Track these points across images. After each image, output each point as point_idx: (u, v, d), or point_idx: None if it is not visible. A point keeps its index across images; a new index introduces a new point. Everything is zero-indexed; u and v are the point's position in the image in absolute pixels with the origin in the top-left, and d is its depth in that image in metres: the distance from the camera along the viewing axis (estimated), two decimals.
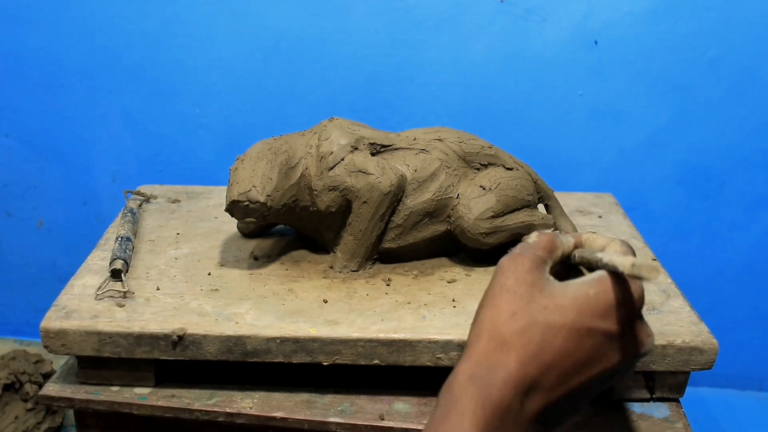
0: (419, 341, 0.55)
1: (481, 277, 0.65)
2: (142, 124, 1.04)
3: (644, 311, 0.59)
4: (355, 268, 0.66)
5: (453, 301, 0.61)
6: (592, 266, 0.45)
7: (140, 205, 0.80)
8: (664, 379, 0.57)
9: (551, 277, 0.45)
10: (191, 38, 0.99)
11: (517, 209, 0.65)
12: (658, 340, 0.55)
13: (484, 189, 0.65)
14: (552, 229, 0.67)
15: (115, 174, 1.08)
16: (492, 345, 0.42)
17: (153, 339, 0.56)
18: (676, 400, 0.58)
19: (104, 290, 0.60)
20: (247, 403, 0.57)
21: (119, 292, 0.60)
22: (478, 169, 0.67)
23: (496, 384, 0.41)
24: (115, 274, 0.62)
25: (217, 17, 0.97)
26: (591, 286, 0.43)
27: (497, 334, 0.42)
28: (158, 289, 0.62)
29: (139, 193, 0.82)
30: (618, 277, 0.43)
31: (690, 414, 0.60)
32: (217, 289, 0.62)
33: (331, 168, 0.63)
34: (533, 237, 0.47)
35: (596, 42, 0.88)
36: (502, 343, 0.42)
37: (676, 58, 0.94)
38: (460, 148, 0.66)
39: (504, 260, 0.46)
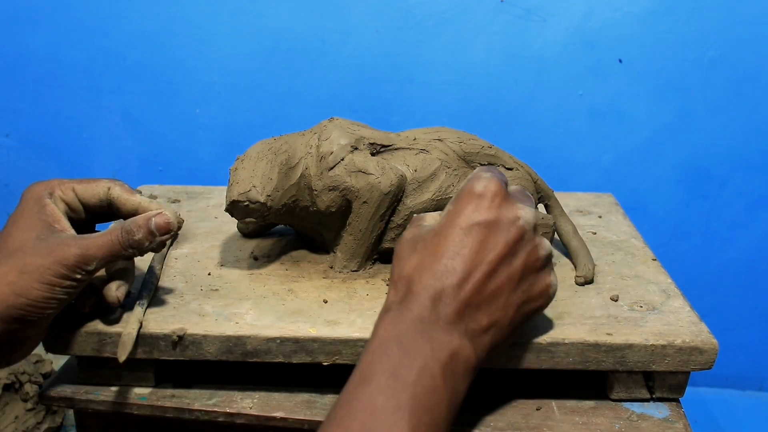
0: None
1: None
2: (142, 124, 1.04)
3: (644, 311, 0.59)
4: (355, 268, 0.66)
5: None
6: None
7: None
8: (664, 379, 0.57)
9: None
10: (191, 38, 0.99)
11: None
12: (658, 340, 0.55)
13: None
14: (552, 230, 0.67)
15: (115, 174, 1.08)
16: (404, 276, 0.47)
17: (153, 339, 0.56)
18: (676, 400, 0.58)
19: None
20: (247, 403, 0.57)
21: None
22: None
23: (411, 298, 0.46)
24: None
25: (217, 17, 0.97)
26: (457, 195, 0.49)
27: (403, 268, 0.48)
28: (158, 290, 0.62)
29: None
30: (477, 173, 0.50)
31: (690, 414, 0.60)
32: (217, 289, 0.62)
33: (331, 168, 0.63)
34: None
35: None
36: (411, 271, 0.47)
37: (676, 58, 0.94)
38: (460, 148, 0.66)
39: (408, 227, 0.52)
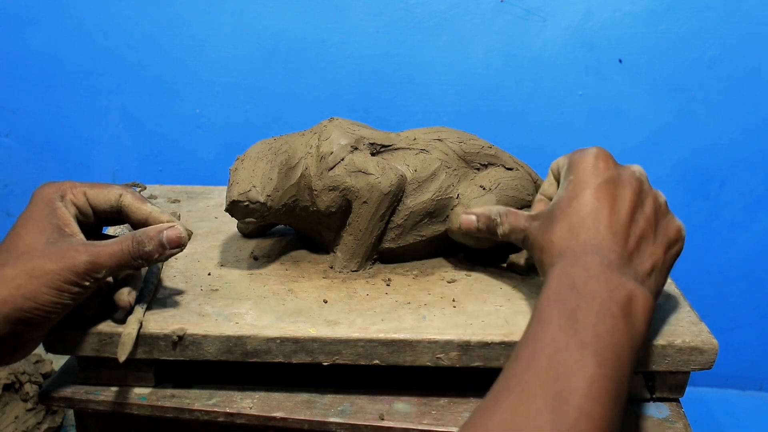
0: (419, 341, 0.55)
1: (481, 277, 0.65)
2: (142, 124, 1.04)
3: None
4: (355, 268, 0.66)
5: (453, 301, 0.61)
6: None
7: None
8: (664, 379, 0.57)
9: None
10: (191, 38, 0.99)
11: (517, 209, 0.65)
12: (658, 340, 0.55)
13: (484, 189, 0.65)
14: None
15: (115, 174, 1.08)
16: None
17: (153, 339, 0.56)
18: (676, 400, 0.58)
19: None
20: (247, 403, 0.57)
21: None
22: (478, 169, 0.67)
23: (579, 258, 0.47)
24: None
25: (217, 17, 0.97)
26: (564, 177, 0.54)
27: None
28: (157, 290, 0.62)
29: (135, 185, 0.82)
30: (567, 156, 0.55)
31: (690, 414, 0.60)
32: (217, 289, 0.62)
33: (331, 168, 0.63)
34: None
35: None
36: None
37: (676, 58, 0.94)
38: (460, 148, 0.66)
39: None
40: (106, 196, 0.55)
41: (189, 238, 0.54)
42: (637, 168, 0.53)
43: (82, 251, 0.49)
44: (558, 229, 0.49)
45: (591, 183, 0.50)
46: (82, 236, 0.52)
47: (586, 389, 0.38)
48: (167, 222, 0.54)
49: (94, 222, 0.56)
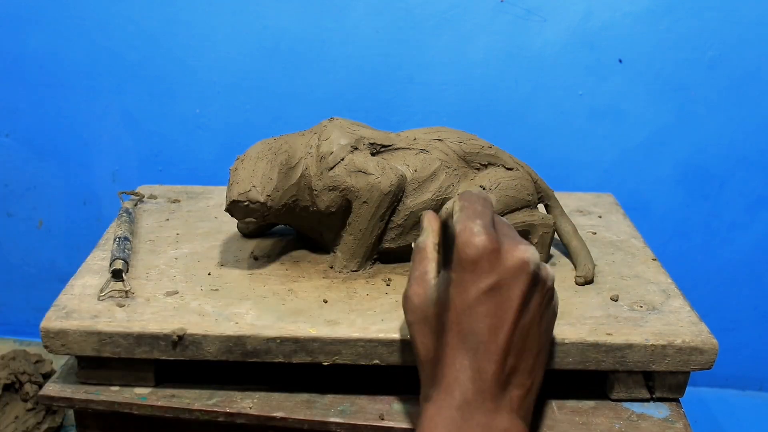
0: None
1: None
2: (142, 124, 1.04)
3: (644, 311, 0.59)
4: (355, 268, 0.66)
5: None
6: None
7: (135, 205, 0.80)
8: (664, 379, 0.57)
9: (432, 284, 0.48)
10: (191, 38, 0.99)
11: (517, 209, 0.66)
12: (658, 340, 0.55)
13: (484, 189, 0.65)
14: (552, 230, 0.67)
15: (115, 174, 1.08)
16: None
17: (153, 339, 0.56)
18: (676, 400, 0.58)
19: (107, 291, 0.60)
20: (247, 403, 0.57)
21: (121, 291, 0.60)
22: (478, 169, 0.67)
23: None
24: (116, 275, 0.62)
25: (217, 17, 0.97)
26: (444, 278, 0.46)
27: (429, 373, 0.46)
28: (170, 293, 0.62)
29: (134, 193, 0.82)
30: (450, 236, 0.47)
31: (690, 414, 0.60)
32: (217, 289, 0.62)
33: (331, 168, 0.63)
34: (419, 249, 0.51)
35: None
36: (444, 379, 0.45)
37: (676, 58, 0.94)
38: (460, 148, 0.66)
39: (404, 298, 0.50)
40: None
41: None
42: (527, 252, 0.45)
43: None
44: (436, 343, 0.46)
45: (472, 294, 0.44)
46: None
47: None
48: None
49: None
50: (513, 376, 0.45)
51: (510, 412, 0.44)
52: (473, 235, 0.45)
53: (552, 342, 0.54)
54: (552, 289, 0.49)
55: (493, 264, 0.44)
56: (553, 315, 0.50)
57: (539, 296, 0.47)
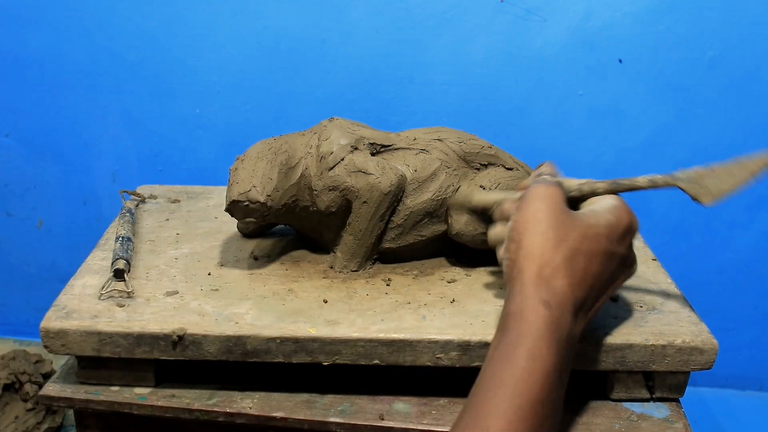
0: (419, 341, 0.55)
1: (481, 277, 0.65)
2: (142, 124, 1.04)
3: (644, 311, 0.59)
4: (355, 268, 0.66)
5: (453, 301, 0.61)
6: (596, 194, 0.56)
7: (137, 205, 0.80)
8: (664, 379, 0.57)
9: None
10: (191, 38, 0.99)
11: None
12: (658, 340, 0.55)
13: (484, 189, 0.65)
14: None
15: (115, 174, 1.08)
16: (547, 270, 0.47)
17: (153, 339, 0.56)
18: (676, 400, 0.58)
19: (107, 290, 0.60)
20: (247, 403, 0.57)
21: (122, 292, 0.60)
22: (478, 169, 0.67)
23: (563, 309, 0.46)
24: (118, 274, 0.62)
25: (217, 17, 0.97)
26: (612, 214, 0.51)
27: (549, 260, 0.47)
28: (170, 293, 0.62)
29: (135, 194, 0.82)
30: (624, 205, 0.53)
31: (690, 414, 0.60)
32: (217, 289, 0.62)
33: (331, 168, 0.63)
34: (547, 171, 0.57)
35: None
36: (556, 269, 0.47)
37: (676, 58, 0.94)
38: (460, 148, 0.66)
39: (539, 188, 0.51)
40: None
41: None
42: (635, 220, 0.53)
43: None
44: (557, 254, 0.49)
45: (612, 247, 0.50)
46: None
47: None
48: None
49: None
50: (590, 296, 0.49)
51: (582, 318, 0.48)
52: (629, 211, 0.52)
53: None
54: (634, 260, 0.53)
55: (626, 241, 0.51)
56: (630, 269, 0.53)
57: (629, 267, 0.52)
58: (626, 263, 0.51)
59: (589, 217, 0.50)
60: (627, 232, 0.51)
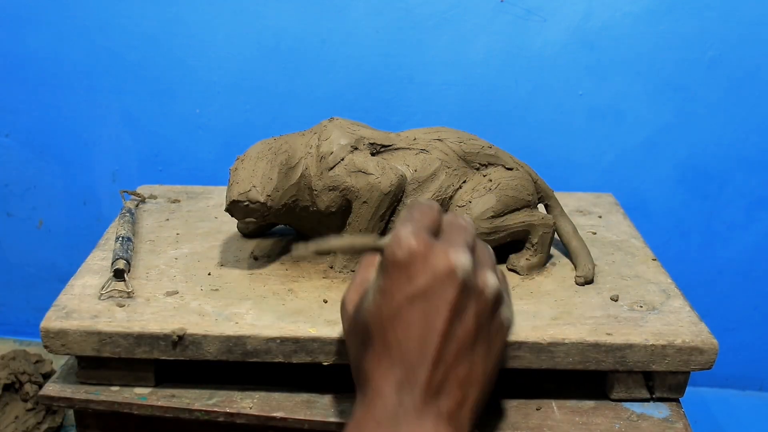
0: None
1: None
2: (142, 124, 1.04)
3: (644, 311, 0.59)
4: (355, 268, 0.66)
5: None
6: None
7: (137, 205, 0.80)
8: (664, 379, 0.57)
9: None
10: (191, 38, 0.99)
11: (517, 209, 0.66)
12: (658, 340, 0.55)
13: (484, 189, 0.65)
14: (552, 230, 0.67)
15: (115, 174, 1.08)
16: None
17: (153, 339, 0.56)
18: (676, 400, 0.58)
19: (107, 290, 0.60)
20: (247, 403, 0.57)
21: (122, 292, 0.60)
22: (477, 169, 0.67)
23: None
24: (118, 274, 0.62)
25: (217, 17, 0.97)
26: (374, 286, 0.44)
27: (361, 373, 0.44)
28: (170, 293, 0.62)
29: (135, 194, 0.82)
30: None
31: (690, 414, 0.60)
32: (217, 289, 0.62)
33: (331, 168, 0.63)
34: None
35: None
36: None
37: (676, 58, 0.94)
38: (460, 148, 0.66)
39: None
40: None
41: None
42: (458, 258, 0.42)
43: None
44: (365, 353, 0.44)
45: (399, 299, 0.42)
46: None
47: None
48: None
49: None
50: (443, 386, 0.42)
51: (437, 422, 0.41)
52: (400, 238, 0.42)
53: (547, 346, 0.53)
54: (496, 302, 0.44)
55: (420, 269, 0.41)
56: (501, 327, 0.46)
57: (476, 306, 0.43)
58: (447, 281, 0.42)
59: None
60: (408, 264, 0.42)
